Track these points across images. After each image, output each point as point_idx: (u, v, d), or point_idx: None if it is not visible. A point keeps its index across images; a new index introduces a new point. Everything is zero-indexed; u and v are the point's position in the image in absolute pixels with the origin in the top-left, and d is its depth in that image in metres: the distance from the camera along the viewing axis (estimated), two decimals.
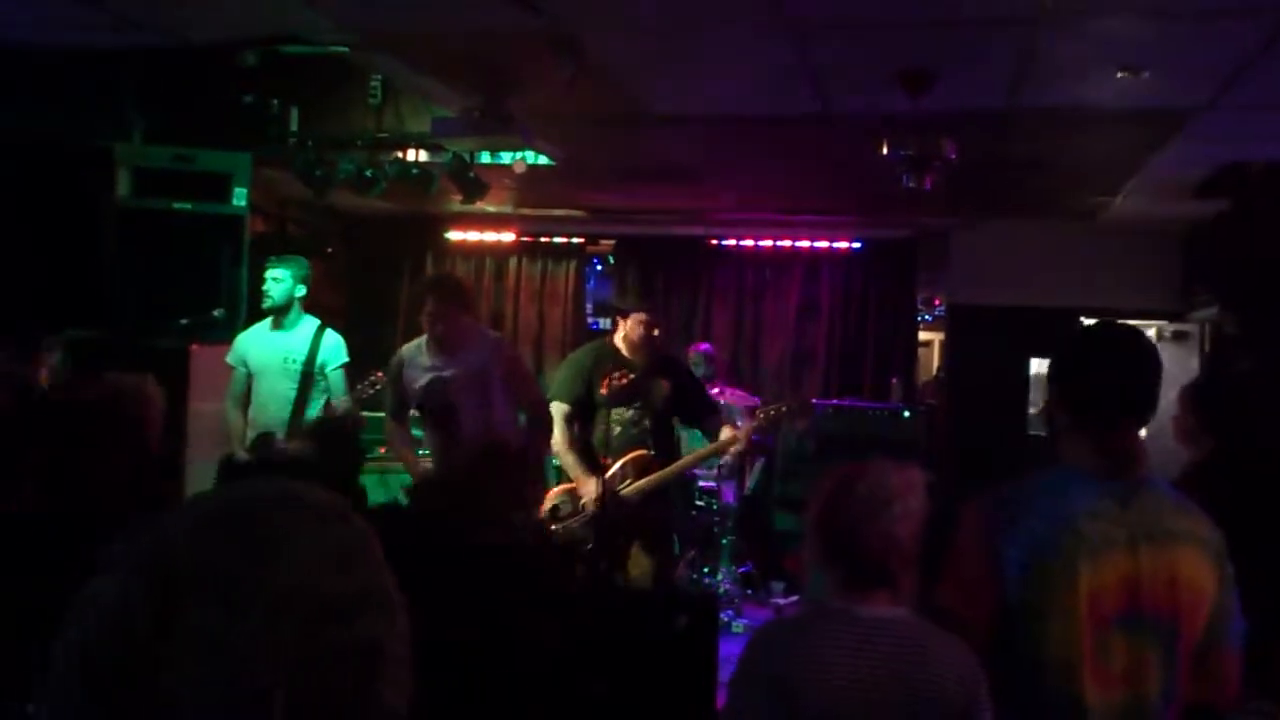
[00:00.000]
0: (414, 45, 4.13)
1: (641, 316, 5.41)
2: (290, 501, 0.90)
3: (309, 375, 5.72)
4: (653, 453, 5.38)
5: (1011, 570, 2.11)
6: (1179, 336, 7.53)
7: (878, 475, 2.20)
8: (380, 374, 5.86)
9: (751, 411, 7.16)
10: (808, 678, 2.09)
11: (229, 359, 5.79)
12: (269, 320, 5.79)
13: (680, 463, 5.52)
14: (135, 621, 0.81)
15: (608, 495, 5.17)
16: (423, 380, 5.20)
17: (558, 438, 5.33)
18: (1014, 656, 2.14)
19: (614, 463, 5.32)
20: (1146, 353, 2.22)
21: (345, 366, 5.87)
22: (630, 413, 5.39)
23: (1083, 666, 2.08)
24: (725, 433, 5.53)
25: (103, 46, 4.62)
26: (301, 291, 5.81)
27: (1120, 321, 2.61)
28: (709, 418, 5.68)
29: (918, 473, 2.26)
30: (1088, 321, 6.92)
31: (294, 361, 5.74)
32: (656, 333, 5.44)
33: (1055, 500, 2.16)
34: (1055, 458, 2.26)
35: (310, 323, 5.87)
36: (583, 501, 5.29)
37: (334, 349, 5.84)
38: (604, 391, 5.37)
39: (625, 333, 5.41)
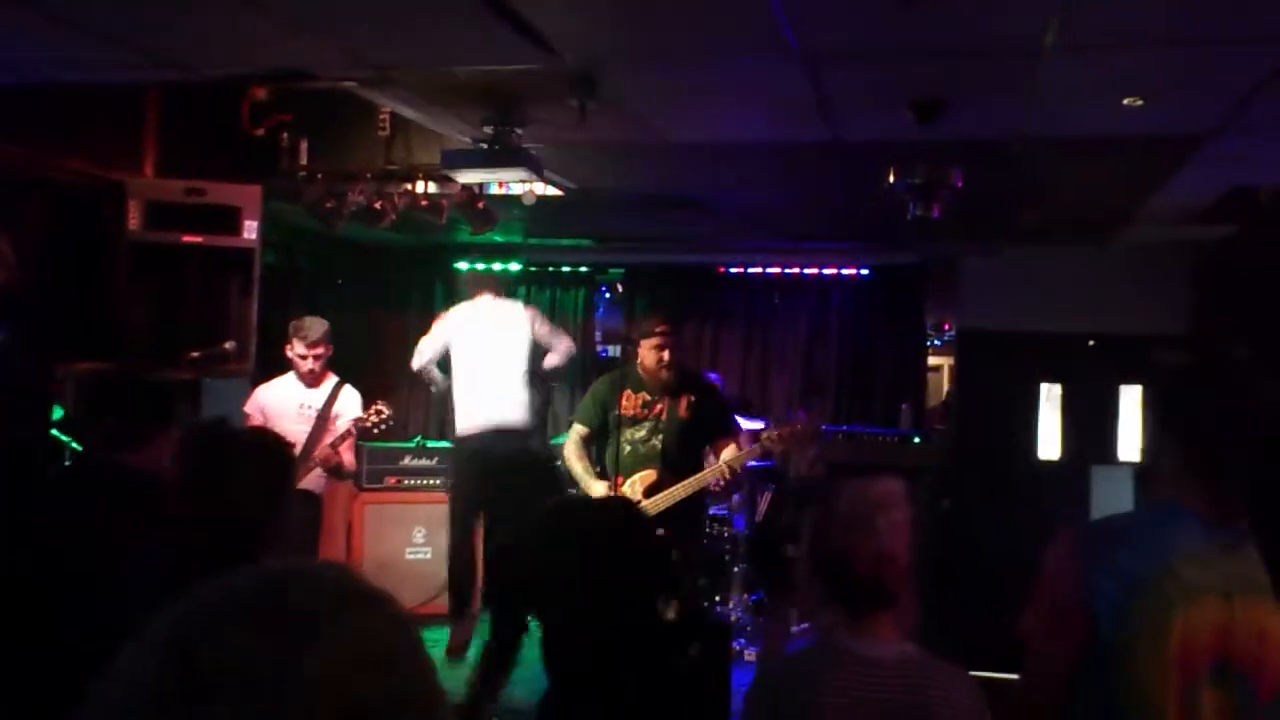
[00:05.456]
0: (425, 80, 4.14)
1: (652, 341, 5.47)
2: (326, 586, 0.82)
3: (323, 420, 5.82)
4: (656, 474, 5.36)
5: (1102, 605, 2.01)
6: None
7: (856, 491, 2.19)
8: (380, 405, 5.86)
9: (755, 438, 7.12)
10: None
11: (247, 408, 5.84)
12: (293, 375, 5.92)
13: (671, 491, 5.34)
14: (152, 712, 0.74)
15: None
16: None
17: (569, 447, 5.58)
18: (1096, 696, 2.03)
19: (624, 482, 5.38)
20: (1269, 399, 2.10)
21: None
22: (641, 432, 5.46)
23: (1169, 714, 1.98)
24: (715, 459, 5.54)
25: (116, 81, 4.64)
26: (330, 350, 5.94)
27: (1234, 355, 2.53)
28: (720, 441, 5.64)
29: (897, 483, 2.23)
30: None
31: (309, 408, 5.85)
32: (667, 355, 5.44)
33: (1154, 537, 2.06)
34: (1149, 489, 2.17)
35: (331, 379, 6.00)
36: None
37: (351, 403, 5.97)
38: (619, 413, 5.47)
39: (641, 358, 5.49)
